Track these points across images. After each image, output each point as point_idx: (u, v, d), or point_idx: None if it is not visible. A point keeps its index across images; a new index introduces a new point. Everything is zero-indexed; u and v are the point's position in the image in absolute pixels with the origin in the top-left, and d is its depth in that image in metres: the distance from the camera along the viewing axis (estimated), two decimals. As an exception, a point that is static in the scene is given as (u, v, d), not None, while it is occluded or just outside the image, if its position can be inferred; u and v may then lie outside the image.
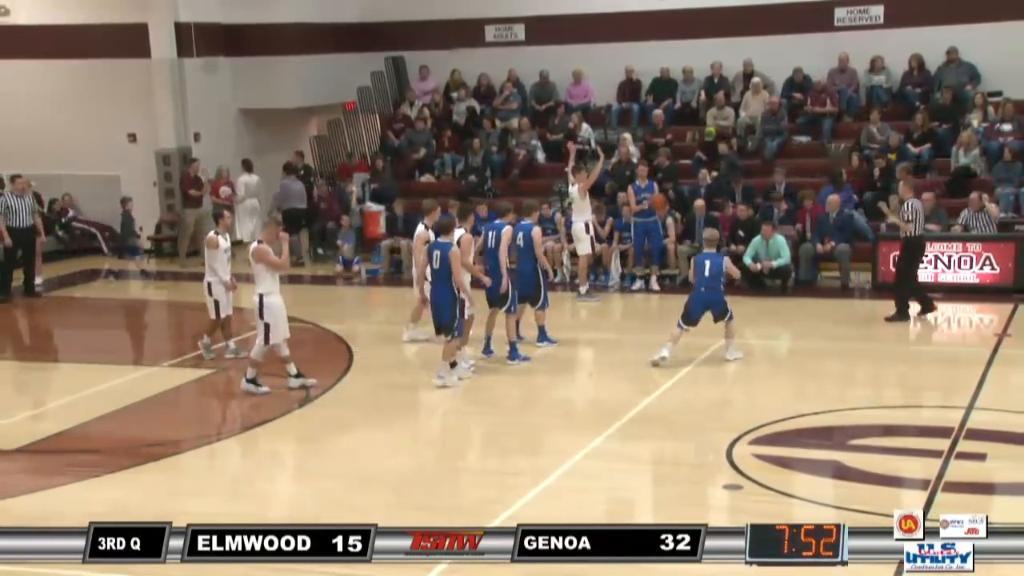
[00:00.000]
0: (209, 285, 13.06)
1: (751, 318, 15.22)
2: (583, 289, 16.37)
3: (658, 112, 20.51)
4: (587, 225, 16.33)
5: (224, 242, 13.08)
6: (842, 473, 9.36)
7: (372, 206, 20.06)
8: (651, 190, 16.94)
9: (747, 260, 16.02)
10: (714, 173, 18.81)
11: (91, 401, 12.03)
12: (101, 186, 21.55)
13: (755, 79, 20.34)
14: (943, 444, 9.86)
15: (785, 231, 16.66)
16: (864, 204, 17.80)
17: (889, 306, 14.87)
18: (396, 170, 21.36)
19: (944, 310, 15.05)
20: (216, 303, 13.08)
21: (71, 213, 21.51)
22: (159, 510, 8.71)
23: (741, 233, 16.83)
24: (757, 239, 16.13)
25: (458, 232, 12.33)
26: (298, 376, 11.92)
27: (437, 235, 11.96)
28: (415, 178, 21.25)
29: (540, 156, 20.93)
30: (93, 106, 21.30)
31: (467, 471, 9.76)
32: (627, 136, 19.88)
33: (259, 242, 11.84)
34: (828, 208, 16.86)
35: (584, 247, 16.35)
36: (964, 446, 9.87)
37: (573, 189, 16.40)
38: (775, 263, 16.02)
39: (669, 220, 17.45)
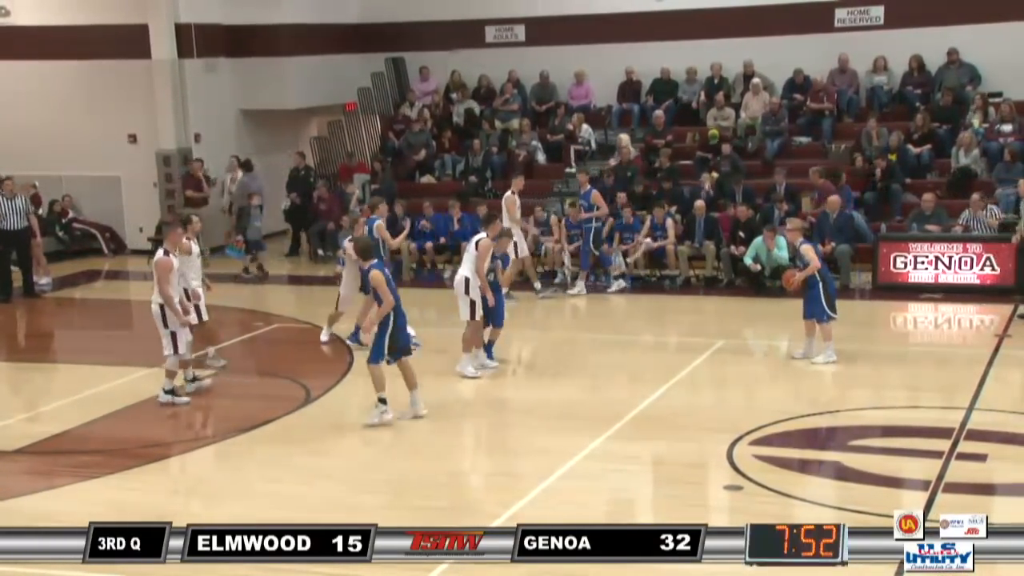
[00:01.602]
0: (186, 292, 12.82)
1: (751, 319, 15.24)
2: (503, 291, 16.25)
3: (658, 113, 20.51)
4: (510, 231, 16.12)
5: (195, 247, 13.05)
6: (842, 474, 9.36)
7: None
8: (588, 197, 16.86)
9: (747, 261, 16.02)
10: (714, 174, 18.81)
11: (92, 402, 12.02)
12: (101, 187, 21.56)
13: (755, 80, 20.34)
14: (944, 445, 9.86)
15: (783, 231, 16.63)
16: (864, 204, 17.81)
17: (889, 307, 14.88)
18: (396, 171, 21.36)
19: (944, 311, 15.05)
20: (196, 308, 12.78)
21: (71, 214, 21.51)
22: (160, 511, 8.71)
23: (742, 234, 16.83)
24: (758, 240, 16.13)
25: (477, 236, 12.50)
26: (194, 380, 12.03)
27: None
28: (415, 179, 21.25)
29: (540, 157, 20.93)
30: (93, 107, 21.31)
31: (468, 472, 9.77)
32: (624, 137, 19.89)
33: (165, 252, 11.53)
34: (828, 209, 16.86)
35: (519, 251, 16.00)
36: (965, 447, 9.87)
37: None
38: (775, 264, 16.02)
39: (669, 221, 17.45)
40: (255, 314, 16.21)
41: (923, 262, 16.15)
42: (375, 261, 10.71)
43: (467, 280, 12.26)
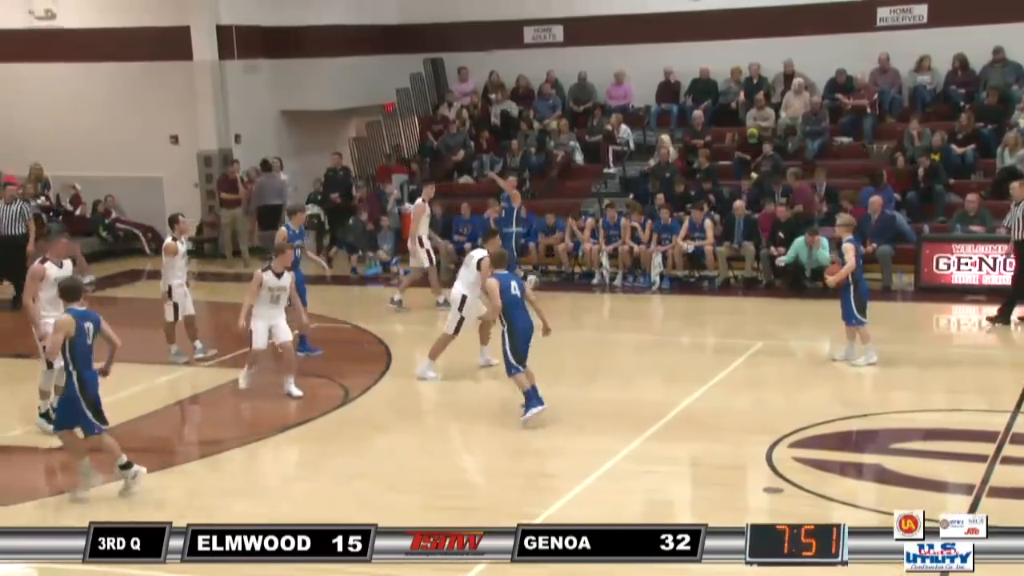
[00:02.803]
0: (170, 288, 13.17)
1: (791, 320, 15.11)
2: (396, 296, 16.01)
3: (697, 113, 20.41)
4: (420, 240, 15.84)
5: (182, 247, 13.25)
6: (884, 477, 9.25)
7: (411, 207, 20.07)
8: (509, 201, 17.13)
9: (783, 261, 15.92)
10: (754, 175, 18.69)
11: (132, 401, 12.12)
12: (144, 187, 21.76)
13: (797, 79, 20.18)
14: (987, 448, 9.71)
15: (826, 232, 16.49)
16: (906, 205, 17.62)
17: (932, 308, 14.70)
18: (434, 172, 21.40)
19: (988, 313, 14.83)
20: (175, 305, 13.19)
21: (114, 214, 21.75)
22: (198, 509, 8.80)
23: (781, 235, 16.70)
24: (799, 241, 16.00)
25: (479, 253, 12.32)
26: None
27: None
28: (453, 180, 21.29)
29: (579, 157, 20.89)
30: (136, 108, 21.53)
31: (505, 473, 9.74)
32: (665, 138, 19.79)
33: (43, 262, 10.86)
34: (870, 209, 16.69)
35: (417, 261, 15.90)
36: (1010, 450, 9.72)
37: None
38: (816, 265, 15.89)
39: (707, 222, 17.35)
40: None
41: (967, 263, 15.95)
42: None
43: (464, 297, 12.18)
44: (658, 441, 10.30)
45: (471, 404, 11.45)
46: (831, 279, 12.60)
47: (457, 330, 12.22)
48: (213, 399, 12.26)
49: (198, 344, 13.51)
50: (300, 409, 11.45)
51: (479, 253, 12.28)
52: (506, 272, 10.84)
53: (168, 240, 13.42)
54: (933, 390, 12.04)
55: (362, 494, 9.13)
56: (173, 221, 13.55)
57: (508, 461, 9.93)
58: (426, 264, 15.96)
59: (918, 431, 10.50)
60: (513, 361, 10.53)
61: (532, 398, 10.57)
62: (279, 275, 11.39)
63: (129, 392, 12.37)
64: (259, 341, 11.53)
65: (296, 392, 11.71)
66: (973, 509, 8.39)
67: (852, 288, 12.34)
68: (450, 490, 9.20)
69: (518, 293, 10.66)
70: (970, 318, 15.35)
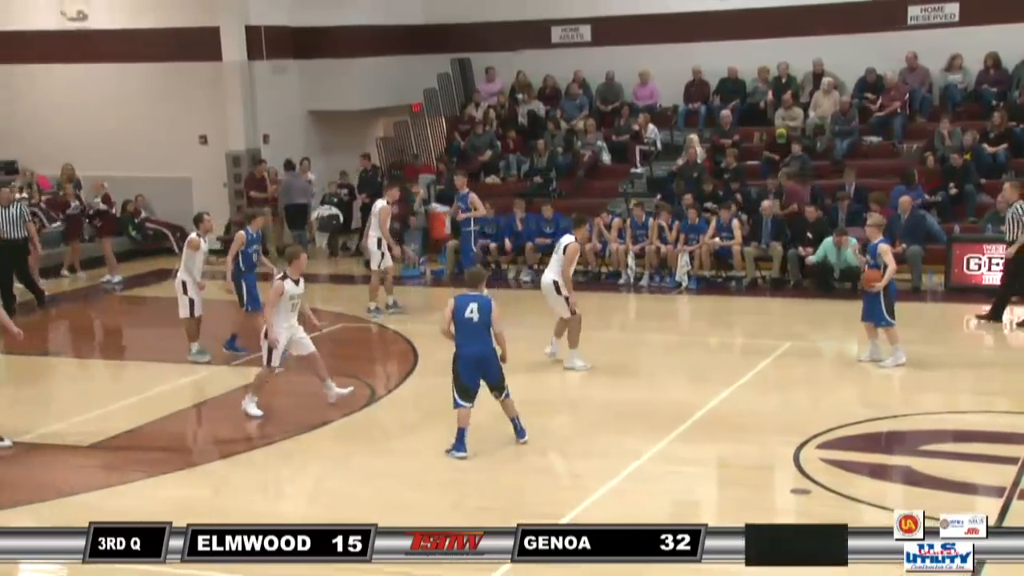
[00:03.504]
0: (184, 284, 13.23)
1: (820, 321, 15.01)
2: (372, 305, 15.77)
3: (725, 113, 20.31)
4: (379, 241, 15.66)
5: (204, 244, 13.38)
6: (913, 479, 9.17)
7: (437, 207, 20.14)
8: (465, 200, 16.99)
9: (815, 260, 15.81)
10: (782, 175, 18.57)
11: (160, 400, 12.21)
12: (173, 187, 21.90)
13: (826, 79, 20.05)
14: (1018, 451, 9.61)
15: (856, 233, 16.37)
16: (937, 205, 17.46)
17: (962, 309, 14.55)
18: (462, 171, 21.39)
19: (1020, 314, 14.68)
20: (191, 301, 13.24)
21: (144, 214, 21.90)
22: (224, 508, 8.85)
23: (809, 235, 16.59)
24: (827, 241, 15.90)
25: (567, 239, 12.50)
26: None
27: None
28: (480, 179, 21.30)
29: (606, 157, 20.84)
30: (166, 108, 21.69)
31: (530, 472, 9.72)
32: (694, 137, 19.72)
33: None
34: (900, 209, 16.55)
35: (374, 262, 15.75)
36: (1040, 453, 9.61)
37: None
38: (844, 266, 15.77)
39: (735, 221, 17.27)
40: (318, 313, 16.31)
41: (998, 264, 15.75)
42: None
43: (555, 283, 12.37)
44: (685, 442, 10.25)
45: (495, 403, 11.42)
46: (878, 285, 12.24)
47: (573, 310, 12.41)
48: (238, 399, 12.28)
49: (194, 347, 13.45)
50: (326, 409, 11.47)
51: (567, 239, 12.51)
52: (472, 293, 9.91)
53: (192, 235, 13.54)
54: (963, 391, 11.92)
55: (387, 493, 9.13)
56: (198, 220, 13.69)
57: (534, 460, 9.91)
58: (375, 266, 15.71)
59: (948, 433, 10.40)
60: (454, 393, 9.78)
61: (458, 440, 9.83)
62: (296, 282, 11.19)
63: (157, 391, 12.47)
64: (277, 359, 11.18)
65: (342, 392, 11.56)
66: (1004, 512, 8.30)
67: (881, 293, 12.21)
68: (475, 489, 9.19)
69: (474, 316, 9.72)
70: (1001, 319, 15.17)
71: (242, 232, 13.62)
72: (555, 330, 12.90)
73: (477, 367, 9.81)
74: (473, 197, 17.20)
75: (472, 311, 9.79)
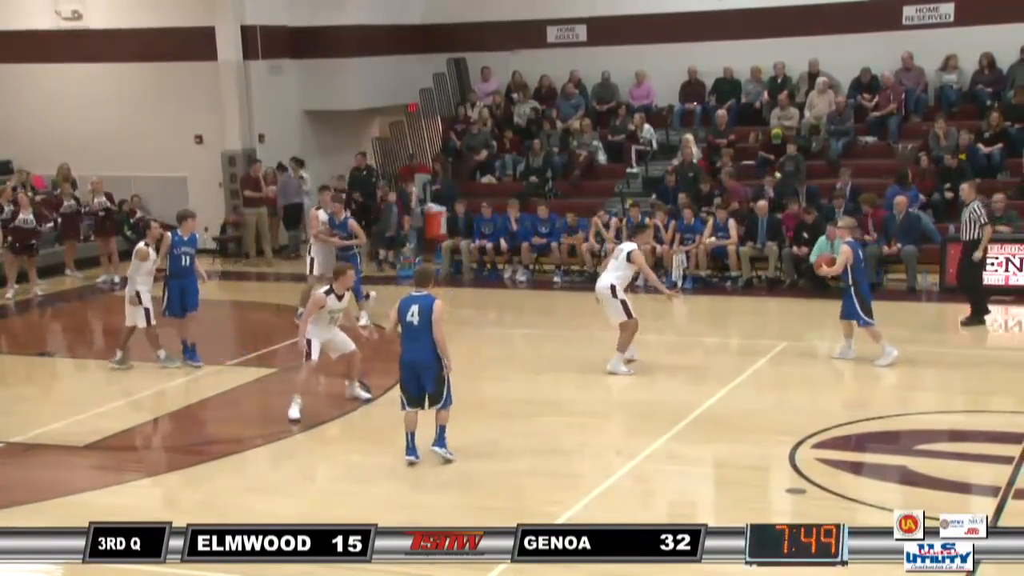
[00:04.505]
0: (138, 294, 12.84)
1: (815, 321, 15.04)
2: (162, 354, 13.39)
3: (721, 113, 20.34)
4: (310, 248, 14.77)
5: (153, 253, 12.99)
6: (908, 478, 9.20)
7: (433, 207, 20.16)
8: (345, 227, 15.07)
9: (813, 259, 15.84)
10: (777, 174, 18.62)
11: (157, 399, 12.22)
12: (169, 187, 21.88)
13: (821, 79, 20.09)
14: (1014, 450, 9.64)
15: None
16: (931, 205, 17.51)
17: (957, 309, 14.59)
18: (458, 171, 21.43)
19: (1015, 313, 14.74)
20: (147, 311, 12.85)
21: (139, 213, 21.87)
22: (221, 507, 8.86)
23: (805, 235, 16.63)
24: (822, 240, 15.89)
25: (629, 246, 12.48)
26: None
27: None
28: (476, 179, 21.30)
29: (601, 157, 20.87)
30: (161, 108, 21.67)
31: (529, 472, 9.74)
32: (689, 137, 19.75)
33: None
34: (895, 210, 16.59)
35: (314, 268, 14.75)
36: (1036, 452, 9.64)
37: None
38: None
39: (731, 222, 17.30)
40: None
41: (992, 264, 15.81)
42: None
43: (613, 287, 12.33)
44: (681, 442, 10.28)
45: (494, 403, 11.44)
46: (827, 269, 12.72)
47: (629, 313, 12.39)
48: (235, 398, 12.32)
49: (162, 353, 13.11)
50: (324, 408, 11.49)
51: (628, 246, 12.53)
52: (417, 294, 9.46)
53: (141, 244, 13.11)
54: (958, 391, 11.96)
55: (387, 493, 9.14)
56: (145, 227, 13.27)
57: (533, 460, 9.92)
58: (307, 271, 15.18)
59: (943, 432, 10.44)
60: (401, 397, 9.54)
61: (408, 445, 9.59)
62: (340, 297, 11.02)
63: (154, 390, 12.47)
64: (315, 354, 11.05)
65: (363, 394, 11.61)
66: (999, 511, 8.33)
67: (852, 288, 12.43)
68: (474, 489, 9.20)
69: (414, 319, 9.29)
70: (996, 319, 15.23)
71: (168, 234, 13.16)
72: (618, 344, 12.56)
73: (414, 372, 9.39)
74: (352, 224, 15.34)
75: (413, 313, 9.33)
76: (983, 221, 14.22)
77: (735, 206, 17.62)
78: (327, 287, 11.15)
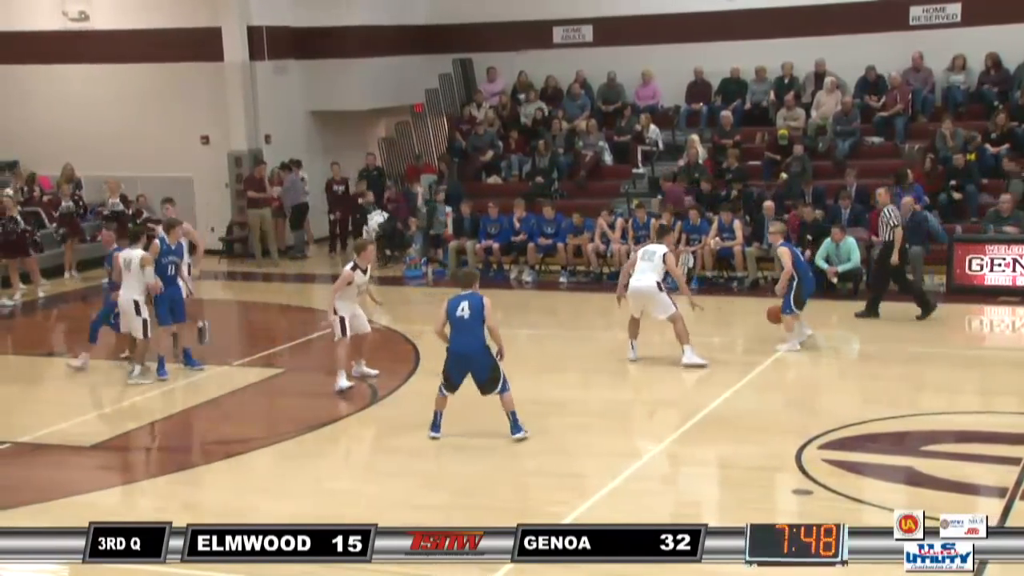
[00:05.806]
0: (137, 304, 12.42)
1: (821, 321, 15.00)
2: (137, 370, 12.79)
3: (726, 113, 20.31)
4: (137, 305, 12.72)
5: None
6: (915, 479, 9.17)
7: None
8: (180, 253, 13.58)
9: (819, 262, 15.82)
10: (783, 175, 18.58)
11: (162, 400, 12.22)
12: (174, 187, 21.82)
13: (828, 79, 20.05)
14: (1020, 452, 9.61)
15: (856, 233, 16.38)
16: (938, 205, 17.46)
17: (964, 310, 14.55)
18: (463, 172, 21.43)
19: (1022, 314, 14.69)
20: (145, 322, 12.43)
21: (145, 214, 21.88)
22: (227, 507, 8.86)
23: (809, 237, 16.59)
24: (828, 241, 15.90)
25: (661, 248, 12.72)
26: None
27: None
28: (482, 179, 21.29)
29: (607, 157, 20.85)
30: (167, 109, 21.68)
31: (533, 472, 9.74)
32: (695, 138, 19.72)
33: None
34: (902, 210, 16.52)
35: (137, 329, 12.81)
36: (1043, 453, 9.61)
37: None
38: (841, 267, 15.75)
39: (736, 222, 17.27)
40: (321, 313, 16.35)
41: (1000, 264, 15.77)
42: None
43: (658, 283, 12.59)
44: (686, 442, 10.26)
45: (497, 405, 11.42)
46: (778, 288, 13.32)
47: (676, 305, 12.68)
48: (241, 399, 12.32)
49: (137, 368, 12.64)
50: (328, 408, 11.48)
51: (661, 248, 12.78)
52: (464, 294, 10.23)
53: (146, 253, 12.57)
54: (965, 392, 11.93)
55: (387, 493, 9.14)
56: (146, 235, 12.82)
57: (537, 461, 9.92)
58: (141, 334, 13.28)
59: (950, 433, 10.40)
60: (441, 382, 10.28)
61: (433, 422, 10.33)
62: (364, 271, 11.90)
63: (159, 391, 12.47)
64: (349, 330, 11.89)
65: (371, 372, 12.33)
66: (1006, 513, 8.30)
67: (795, 283, 12.93)
68: (475, 489, 9.20)
69: (465, 313, 10.09)
70: (1003, 320, 15.20)
71: (157, 241, 12.78)
72: (629, 331, 12.98)
73: (464, 363, 10.12)
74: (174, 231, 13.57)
75: (463, 309, 10.13)
76: (894, 223, 14.52)
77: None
78: (352, 263, 11.90)
